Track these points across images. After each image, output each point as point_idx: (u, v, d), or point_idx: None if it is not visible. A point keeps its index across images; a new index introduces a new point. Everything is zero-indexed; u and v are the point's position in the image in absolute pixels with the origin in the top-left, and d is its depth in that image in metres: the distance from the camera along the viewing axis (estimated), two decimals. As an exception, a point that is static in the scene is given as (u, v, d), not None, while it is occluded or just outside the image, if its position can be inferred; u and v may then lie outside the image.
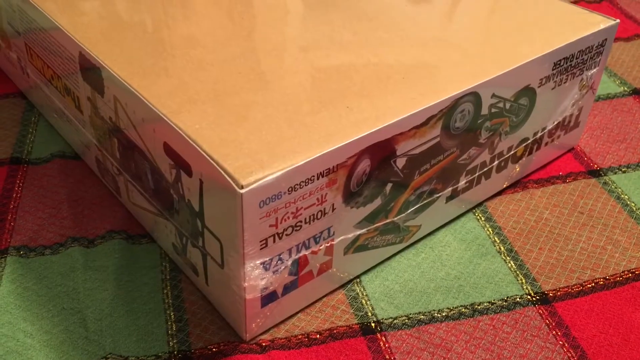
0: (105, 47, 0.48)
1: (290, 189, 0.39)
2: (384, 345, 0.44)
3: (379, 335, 0.45)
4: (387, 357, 0.43)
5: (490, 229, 0.53)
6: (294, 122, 0.41)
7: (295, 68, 0.46)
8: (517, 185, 0.58)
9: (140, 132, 0.45)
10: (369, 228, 0.46)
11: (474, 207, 0.55)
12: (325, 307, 0.47)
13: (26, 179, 0.57)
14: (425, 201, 0.49)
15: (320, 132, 0.40)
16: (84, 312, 0.45)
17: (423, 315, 0.46)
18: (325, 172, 0.40)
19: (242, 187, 0.36)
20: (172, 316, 0.45)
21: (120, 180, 0.53)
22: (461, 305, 0.47)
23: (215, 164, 0.38)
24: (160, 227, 0.49)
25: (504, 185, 0.57)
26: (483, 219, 0.54)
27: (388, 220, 0.47)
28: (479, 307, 0.47)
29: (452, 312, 0.46)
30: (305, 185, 0.39)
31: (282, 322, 0.46)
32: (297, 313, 0.46)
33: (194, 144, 0.39)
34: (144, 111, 0.43)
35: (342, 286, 0.48)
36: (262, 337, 0.44)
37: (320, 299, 0.47)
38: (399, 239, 0.50)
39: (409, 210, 0.49)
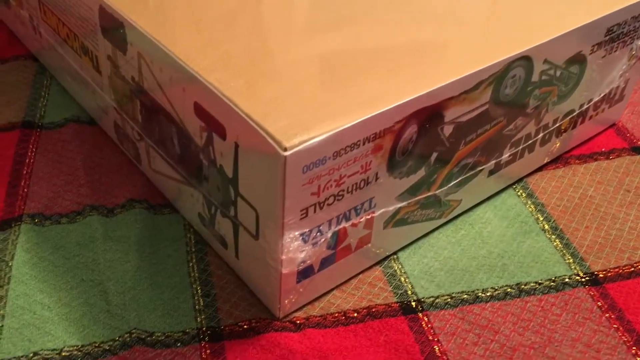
0: (128, 0, 0.44)
1: (335, 154, 0.35)
2: (427, 325, 0.41)
3: (420, 314, 0.42)
4: (430, 337, 0.40)
5: (532, 206, 0.50)
6: (336, 83, 0.38)
7: (334, 29, 0.43)
8: (558, 161, 0.55)
9: (167, 92, 0.42)
10: (410, 201, 0.43)
11: (514, 183, 0.52)
12: (362, 284, 0.44)
13: (39, 144, 0.53)
14: (467, 174, 0.46)
15: (365, 94, 0.37)
16: (105, 285, 0.42)
17: (466, 294, 0.43)
18: (371, 137, 0.37)
19: (285, 150, 0.33)
20: (199, 291, 0.43)
21: (141, 146, 0.49)
22: (506, 285, 0.44)
23: (254, 125, 0.34)
24: (185, 196, 0.46)
25: (545, 161, 0.54)
26: (524, 195, 0.51)
27: (430, 194, 0.44)
28: (526, 287, 0.44)
29: (497, 292, 0.43)
30: (351, 150, 0.36)
31: (317, 299, 0.43)
32: (331, 290, 0.43)
33: (230, 103, 0.36)
34: (172, 69, 0.40)
35: (378, 263, 0.45)
36: (296, 314, 0.41)
37: (356, 275, 0.44)
38: (438, 213, 0.47)
39: (451, 184, 0.45)
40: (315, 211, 0.37)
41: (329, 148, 0.35)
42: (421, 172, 0.42)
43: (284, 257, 0.37)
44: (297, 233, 0.37)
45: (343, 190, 0.38)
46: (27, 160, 0.52)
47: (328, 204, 0.37)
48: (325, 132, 0.34)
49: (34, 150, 0.53)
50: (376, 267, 0.45)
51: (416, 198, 0.43)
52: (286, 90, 0.37)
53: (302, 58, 0.40)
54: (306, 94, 0.37)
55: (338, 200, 0.38)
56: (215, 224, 0.43)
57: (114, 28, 0.45)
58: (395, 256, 0.46)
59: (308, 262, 0.39)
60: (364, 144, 0.37)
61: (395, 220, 0.43)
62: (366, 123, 0.36)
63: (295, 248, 0.38)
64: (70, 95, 0.59)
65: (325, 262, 0.41)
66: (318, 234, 0.38)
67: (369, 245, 0.43)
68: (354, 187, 0.38)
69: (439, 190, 0.45)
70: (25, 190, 0.49)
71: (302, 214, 0.36)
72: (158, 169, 0.48)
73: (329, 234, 0.39)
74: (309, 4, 0.45)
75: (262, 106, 0.36)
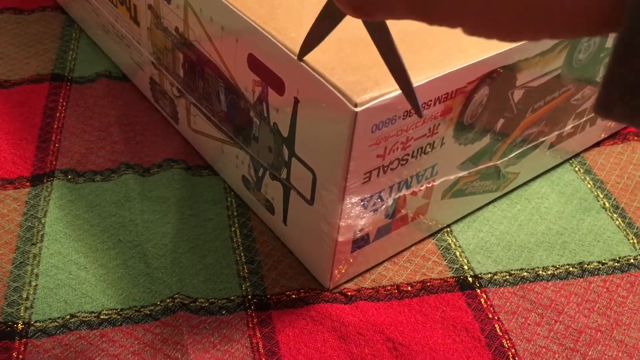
0: None
1: (405, 114, 0.33)
2: (486, 302, 0.39)
3: (478, 291, 0.39)
4: (490, 315, 0.38)
5: (590, 182, 0.47)
6: (407, 38, 0.35)
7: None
8: (616, 137, 0.52)
9: (217, 44, 0.39)
10: (471, 170, 0.40)
11: (570, 158, 0.49)
12: (414, 257, 0.41)
13: (70, 98, 0.50)
14: (529, 145, 0.43)
15: (438, 52, 0.34)
16: (144, 246, 0.40)
17: (526, 272, 0.41)
18: (443, 97, 0.34)
19: (356, 106, 0.30)
20: (243, 257, 0.40)
21: (180, 104, 0.47)
22: (568, 264, 0.41)
23: (320, 78, 0.32)
24: (228, 157, 0.43)
25: (602, 137, 0.51)
26: (582, 171, 0.48)
27: (491, 164, 0.42)
28: (589, 267, 0.41)
29: (558, 271, 0.41)
30: (422, 110, 0.33)
31: (367, 271, 0.40)
32: (383, 262, 0.41)
33: (292, 55, 0.33)
34: (225, 18, 0.37)
35: (431, 235, 0.43)
36: (346, 286, 0.39)
37: (408, 248, 0.42)
38: (495, 186, 0.44)
39: (513, 154, 0.43)
40: (378, 175, 0.34)
41: (400, 106, 0.32)
42: (485, 140, 0.39)
43: (342, 223, 0.35)
44: (357, 198, 0.34)
45: (408, 155, 0.35)
46: (57, 114, 0.49)
47: (392, 169, 0.35)
48: (397, 88, 0.31)
49: (64, 104, 0.50)
50: (429, 239, 0.42)
51: (477, 168, 0.41)
52: (353, 44, 0.34)
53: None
54: (374, 53, 0.34)
55: (402, 165, 0.35)
56: (261, 187, 0.41)
57: (158, -26, 0.42)
58: (448, 229, 0.43)
59: (365, 230, 0.37)
60: (434, 104, 0.34)
61: (454, 190, 0.41)
62: (439, 81, 0.33)
63: (355, 214, 0.35)
64: (101, 49, 0.56)
65: (381, 232, 0.38)
66: (378, 200, 0.36)
67: (425, 216, 0.41)
68: (419, 152, 0.36)
69: (500, 161, 0.42)
70: (56, 145, 0.46)
71: (365, 178, 0.34)
72: (198, 128, 0.46)
73: (390, 201, 0.36)
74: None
75: (328, 59, 0.33)
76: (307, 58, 0.32)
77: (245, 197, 0.43)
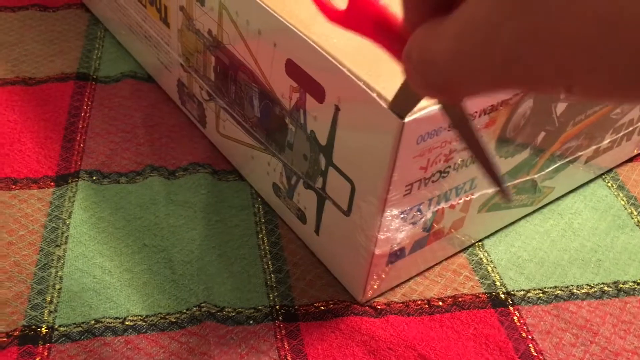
0: None
1: (450, 126, 0.32)
2: (519, 321, 0.38)
3: (511, 308, 0.38)
4: (524, 334, 0.37)
5: (624, 199, 0.46)
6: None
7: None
8: (648, 153, 0.51)
9: (253, 48, 0.38)
10: (509, 184, 0.40)
11: (603, 174, 0.48)
12: (445, 271, 0.40)
13: (95, 98, 0.50)
14: (567, 159, 0.42)
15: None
16: (169, 252, 0.39)
17: (560, 290, 0.40)
18: (488, 108, 0.33)
19: (402, 117, 0.29)
20: (270, 265, 0.39)
21: (209, 108, 0.46)
22: (602, 283, 0.40)
23: (364, 87, 0.31)
24: (259, 163, 0.42)
25: (634, 152, 0.50)
26: (615, 187, 0.47)
27: (528, 178, 0.41)
28: (624, 287, 0.40)
29: (593, 290, 0.40)
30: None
31: (398, 285, 0.39)
32: (414, 276, 0.40)
33: (335, 61, 0.32)
34: (263, 21, 0.36)
35: (462, 250, 0.42)
36: (376, 299, 0.38)
37: (439, 262, 0.41)
38: (531, 200, 0.43)
39: (550, 168, 0.42)
40: (419, 187, 0.33)
41: (446, 118, 0.31)
42: (525, 153, 0.38)
43: (380, 235, 0.34)
44: (397, 211, 0.33)
45: (449, 167, 0.34)
46: (82, 114, 0.48)
47: (433, 181, 0.34)
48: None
49: (90, 103, 0.49)
50: (460, 253, 0.41)
51: (515, 181, 0.40)
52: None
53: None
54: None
55: (443, 177, 0.34)
56: (293, 196, 0.40)
57: (193, -26, 0.41)
58: (480, 243, 0.42)
59: (402, 244, 0.36)
60: (480, 115, 0.33)
61: (491, 204, 0.40)
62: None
63: (394, 227, 0.34)
64: (126, 49, 0.56)
65: (417, 246, 0.37)
66: (417, 213, 0.35)
67: (459, 230, 0.40)
68: (461, 165, 0.35)
69: (538, 175, 0.41)
70: (81, 145, 0.45)
71: (406, 190, 0.33)
72: (227, 133, 0.45)
73: (428, 214, 0.36)
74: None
75: (372, 66, 0.32)
76: (352, 65, 0.32)
77: (274, 204, 0.43)
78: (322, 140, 0.35)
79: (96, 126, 0.47)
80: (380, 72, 0.32)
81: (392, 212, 0.33)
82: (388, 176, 0.31)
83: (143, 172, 0.44)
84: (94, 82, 0.51)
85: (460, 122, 0.24)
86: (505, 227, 0.44)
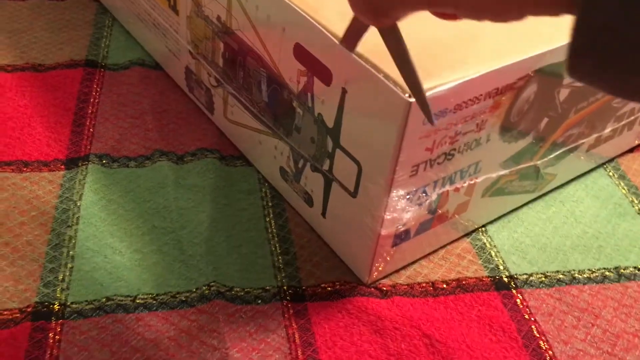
0: None
1: (456, 107, 0.32)
2: (522, 303, 0.38)
3: (514, 291, 0.39)
4: (527, 317, 0.38)
5: (625, 188, 0.47)
6: (459, 32, 0.34)
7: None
8: (649, 144, 0.52)
9: (262, 33, 0.38)
10: (512, 169, 0.40)
11: (604, 163, 0.49)
12: (449, 255, 0.41)
13: (104, 85, 0.50)
14: (569, 146, 0.43)
15: (490, 45, 0.34)
16: (178, 233, 0.40)
17: (562, 274, 0.40)
18: (493, 92, 0.34)
19: (409, 96, 0.30)
20: (278, 247, 0.40)
21: (217, 94, 0.46)
22: (604, 268, 0.41)
23: (371, 68, 0.31)
24: (266, 148, 0.43)
25: (635, 143, 0.51)
26: (616, 176, 0.48)
27: (531, 163, 0.41)
28: (625, 272, 0.41)
29: (594, 275, 0.41)
30: (472, 104, 0.33)
31: (402, 267, 0.40)
32: (418, 259, 0.40)
33: (342, 47, 0.33)
34: (272, 7, 0.37)
35: (466, 234, 0.42)
36: (381, 281, 0.39)
37: (442, 246, 0.42)
38: (533, 187, 0.44)
39: (553, 155, 0.42)
40: (425, 169, 0.34)
41: (452, 99, 0.32)
42: (529, 139, 0.39)
43: (387, 216, 0.34)
44: (403, 191, 0.34)
45: (455, 149, 0.35)
46: (91, 100, 0.49)
47: (438, 163, 0.34)
48: (450, 80, 0.31)
49: (98, 90, 0.50)
50: (464, 238, 0.42)
51: (518, 167, 0.40)
52: (405, 35, 0.34)
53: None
54: (428, 41, 0.34)
55: (448, 159, 0.35)
56: (301, 179, 0.40)
57: (203, -38, 0.42)
58: (483, 229, 0.43)
59: (407, 225, 0.36)
60: (485, 99, 0.33)
61: (494, 189, 0.40)
62: (491, 76, 0.33)
63: (400, 207, 0.35)
64: (134, 38, 0.56)
65: (422, 228, 0.38)
66: (423, 194, 0.35)
67: (463, 214, 0.40)
68: (466, 147, 0.35)
69: (541, 161, 0.42)
70: (90, 130, 0.46)
71: (412, 171, 0.33)
72: (235, 118, 0.45)
73: (434, 196, 0.36)
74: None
75: (379, 49, 0.32)
76: (358, 50, 0.32)
77: (281, 188, 0.43)
78: (330, 123, 0.35)
79: (105, 112, 0.48)
80: (386, 54, 0.32)
81: (398, 193, 0.34)
82: (395, 157, 0.32)
83: (152, 157, 0.44)
84: (102, 69, 0.52)
85: (396, 48, 0.28)
86: (508, 213, 0.44)
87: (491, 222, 0.43)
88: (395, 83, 0.30)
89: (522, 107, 0.36)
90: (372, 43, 0.32)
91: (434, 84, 0.30)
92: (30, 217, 0.39)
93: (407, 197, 0.34)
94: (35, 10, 0.57)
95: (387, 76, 0.31)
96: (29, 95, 0.48)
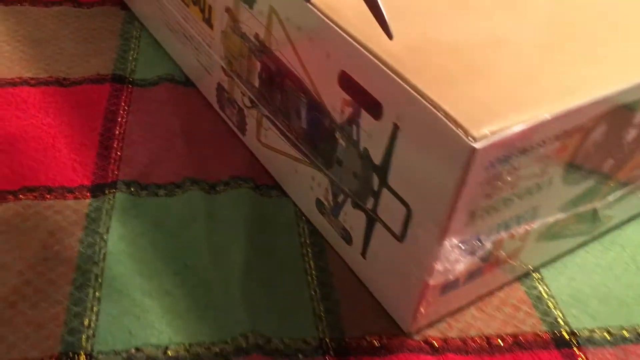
0: None
1: (521, 151, 0.29)
2: (583, 364, 0.35)
3: (576, 350, 0.35)
4: (589, 380, 0.34)
5: (691, 231, 0.43)
6: (526, 68, 0.31)
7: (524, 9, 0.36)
8: None
9: (303, 56, 0.35)
10: (570, 212, 0.37)
11: (668, 202, 0.45)
12: (504, 306, 0.37)
13: (132, 102, 0.47)
14: (631, 187, 0.39)
15: (560, 83, 0.30)
16: (211, 274, 0.36)
17: (627, 331, 0.36)
18: (561, 134, 0.30)
19: (474, 140, 0.27)
20: (318, 292, 0.36)
21: (250, 115, 0.43)
22: (672, 324, 0.37)
23: (429, 105, 0.28)
24: (302, 177, 0.40)
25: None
26: (681, 217, 0.44)
27: (591, 206, 0.38)
28: (696, 330, 0.37)
29: (662, 332, 0.37)
30: (538, 147, 0.29)
31: (453, 318, 0.36)
32: (469, 307, 0.37)
33: (396, 77, 0.29)
34: (316, 28, 0.33)
35: (520, 280, 0.39)
36: (431, 333, 0.35)
37: (495, 293, 0.38)
38: (589, 229, 0.40)
39: (614, 197, 0.39)
40: (482, 216, 0.31)
41: (518, 143, 0.28)
42: (591, 181, 0.35)
43: (438, 266, 0.31)
44: (457, 240, 0.31)
45: (515, 195, 0.31)
46: (118, 119, 0.46)
47: (496, 209, 0.31)
48: (518, 122, 0.28)
49: (126, 108, 0.47)
50: (517, 284, 0.38)
51: (577, 210, 0.37)
52: (466, 67, 0.30)
53: (483, 33, 0.33)
54: (492, 76, 0.30)
55: (506, 205, 0.31)
56: (339, 214, 0.37)
57: (241, -25, 0.38)
58: (538, 275, 0.39)
59: (458, 274, 0.33)
60: (552, 142, 0.30)
61: (550, 233, 0.37)
62: (561, 118, 0.29)
63: (453, 258, 0.31)
64: (164, 49, 0.54)
65: (472, 275, 0.34)
66: (477, 242, 0.32)
67: (516, 259, 0.37)
68: (526, 192, 0.32)
69: (600, 204, 0.38)
70: (118, 153, 0.43)
71: (468, 218, 0.30)
72: (269, 143, 0.42)
73: (488, 245, 0.33)
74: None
75: (439, 84, 0.29)
76: (417, 81, 0.29)
77: (317, 222, 0.40)
78: (377, 159, 0.32)
79: (133, 132, 0.45)
80: (447, 90, 0.29)
81: (451, 242, 0.30)
82: (451, 204, 0.28)
83: (182, 185, 0.41)
84: (130, 85, 0.49)
85: None
86: (564, 256, 0.40)
87: (546, 266, 0.40)
88: (458, 124, 0.27)
89: (589, 149, 0.32)
90: (431, 76, 0.29)
91: (498, 127, 0.27)
92: (54, 252, 0.36)
93: (460, 246, 0.31)
94: (60, 18, 0.54)
95: (447, 115, 0.27)
96: (53, 112, 0.45)
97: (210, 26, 0.44)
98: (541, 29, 0.34)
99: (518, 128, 0.27)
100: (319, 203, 0.39)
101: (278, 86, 0.39)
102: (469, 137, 0.27)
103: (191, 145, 0.45)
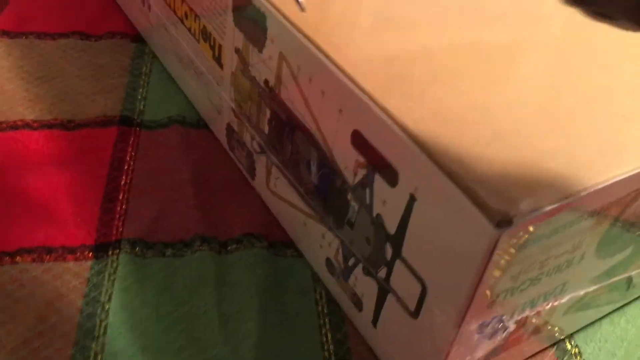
0: None
1: (552, 231, 0.26)
2: None
3: None
4: None
5: None
6: (555, 132, 0.28)
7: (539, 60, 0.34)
8: None
9: (314, 109, 0.33)
10: (602, 284, 0.34)
11: None
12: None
13: (139, 147, 0.45)
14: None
15: (595, 150, 0.28)
16: (221, 349, 0.34)
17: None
18: (596, 210, 0.27)
19: (498, 224, 0.24)
20: (335, 369, 0.34)
21: (259, 160, 0.41)
22: None
23: (451, 181, 0.26)
24: (312, 232, 0.37)
25: None
26: None
27: (624, 275, 0.35)
28: None
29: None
30: (570, 227, 0.27)
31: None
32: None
33: (413, 143, 0.27)
34: (327, 82, 0.31)
35: (550, 345, 0.36)
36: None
37: (521, 361, 0.35)
38: (622, 297, 0.37)
39: (651, 264, 0.36)
40: (505, 297, 0.28)
41: (549, 225, 0.26)
42: (627, 252, 0.33)
43: (454, 349, 0.28)
44: (477, 324, 0.28)
45: (542, 273, 0.28)
46: (125, 167, 0.43)
47: (522, 289, 0.28)
48: (549, 203, 0.25)
49: (133, 154, 0.44)
50: (549, 350, 0.36)
51: (610, 281, 0.34)
52: (492, 136, 0.28)
53: (506, 96, 0.30)
54: (517, 144, 0.27)
55: (533, 285, 0.29)
56: (349, 278, 0.35)
57: (252, 16, 0.36)
58: (569, 339, 0.36)
59: (476, 357, 0.30)
60: (586, 218, 0.27)
61: (579, 304, 0.34)
62: (598, 194, 0.26)
63: (472, 343, 0.29)
64: (175, 86, 0.51)
65: (491, 354, 0.32)
66: (499, 324, 0.29)
67: (541, 333, 0.34)
68: (555, 269, 0.29)
69: (635, 272, 0.35)
70: (124, 206, 0.40)
71: (491, 301, 0.27)
72: (278, 191, 0.40)
73: (511, 325, 0.30)
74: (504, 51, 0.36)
75: (462, 155, 0.26)
76: (432, 147, 0.26)
77: (327, 282, 0.37)
78: (391, 228, 0.30)
79: (140, 182, 0.42)
80: (470, 163, 0.26)
81: (470, 326, 0.28)
82: (472, 287, 0.26)
83: (191, 244, 0.39)
84: (138, 128, 0.46)
85: None
86: (595, 322, 0.38)
87: (577, 331, 0.37)
88: (481, 203, 0.24)
89: (628, 220, 0.30)
90: (454, 146, 0.26)
91: (527, 206, 0.24)
92: (51, 324, 0.34)
93: (481, 329, 0.28)
94: (66, 52, 0.52)
95: (470, 192, 0.25)
96: (56, 159, 0.43)
97: (220, 66, 0.42)
98: (574, 87, 0.31)
99: (549, 207, 0.25)
100: (329, 263, 0.36)
101: (288, 136, 0.36)
102: (494, 220, 0.24)
103: (201, 194, 0.42)
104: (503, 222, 0.24)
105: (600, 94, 0.31)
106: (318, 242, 0.37)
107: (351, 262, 0.34)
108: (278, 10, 0.34)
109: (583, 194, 0.26)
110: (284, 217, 0.40)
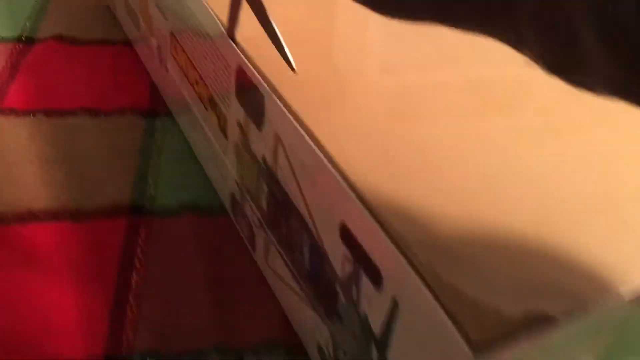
0: (277, 67, 0.34)
1: (541, 352, 0.25)
2: None
3: None
4: None
5: None
6: (547, 243, 0.26)
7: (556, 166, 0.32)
8: None
9: (307, 197, 0.32)
10: None
11: None
12: None
13: (150, 240, 0.43)
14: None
15: (594, 261, 0.26)
16: None
17: None
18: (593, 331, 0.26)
19: (476, 350, 0.23)
20: None
21: (259, 234, 0.40)
22: None
23: (428, 292, 0.24)
24: (305, 317, 0.36)
25: None
26: None
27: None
28: None
29: None
30: (563, 346, 0.25)
31: None
32: None
33: (394, 246, 0.26)
34: (318, 171, 0.30)
35: None
36: None
37: None
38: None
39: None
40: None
41: (535, 350, 0.24)
42: (635, 360, 0.30)
43: None
44: None
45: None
46: (136, 263, 0.42)
47: (510, 408, 0.27)
48: (532, 331, 0.23)
49: (144, 249, 0.43)
50: None
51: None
52: (483, 245, 0.26)
53: (513, 191, 0.29)
54: (517, 256, 0.26)
55: (524, 401, 0.27)
56: (339, 370, 0.33)
57: (252, 96, 0.36)
58: None
59: None
60: (583, 338, 0.25)
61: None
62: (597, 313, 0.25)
63: None
64: (186, 164, 0.50)
65: None
66: None
67: None
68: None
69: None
70: (134, 311, 0.39)
71: (474, 421, 0.26)
72: (276, 268, 0.39)
73: None
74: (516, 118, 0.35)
75: (446, 264, 0.25)
76: (414, 258, 0.25)
77: (319, 366, 0.36)
78: (377, 331, 0.28)
79: (152, 281, 0.41)
80: (456, 272, 0.25)
81: None
82: (451, 410, 0.24)
83: (206, 354, 0.37)
84: (149, 216, 0.45)
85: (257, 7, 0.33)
86: None
87: None
88: (459, 324, 0.23)
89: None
90: (441, 255, 0.24)
91: (511, 327, 0.23)
92: None
93: None
94: (75, 132, 0.51)
95: (448, 309, 0.23)
96: (63, 256, 0.41)
97: (225, 136, 0.42)
98: (579, 194, 0.29)
99: (533, 334, 0.23)
100: (320, 349, 0.35)
101: (284, 217, 0.35)
102: (471, 345, 0.22)
103: (215, 293, 0.40)
104: (481, 348, 0.22)
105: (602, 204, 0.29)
106: (309, 327, 0.35)
107: (340, 355, 0.33)
108: (278, 91, 0.33)
109: (577, 314, 0.24)
110: (280, 294, 0.39)
